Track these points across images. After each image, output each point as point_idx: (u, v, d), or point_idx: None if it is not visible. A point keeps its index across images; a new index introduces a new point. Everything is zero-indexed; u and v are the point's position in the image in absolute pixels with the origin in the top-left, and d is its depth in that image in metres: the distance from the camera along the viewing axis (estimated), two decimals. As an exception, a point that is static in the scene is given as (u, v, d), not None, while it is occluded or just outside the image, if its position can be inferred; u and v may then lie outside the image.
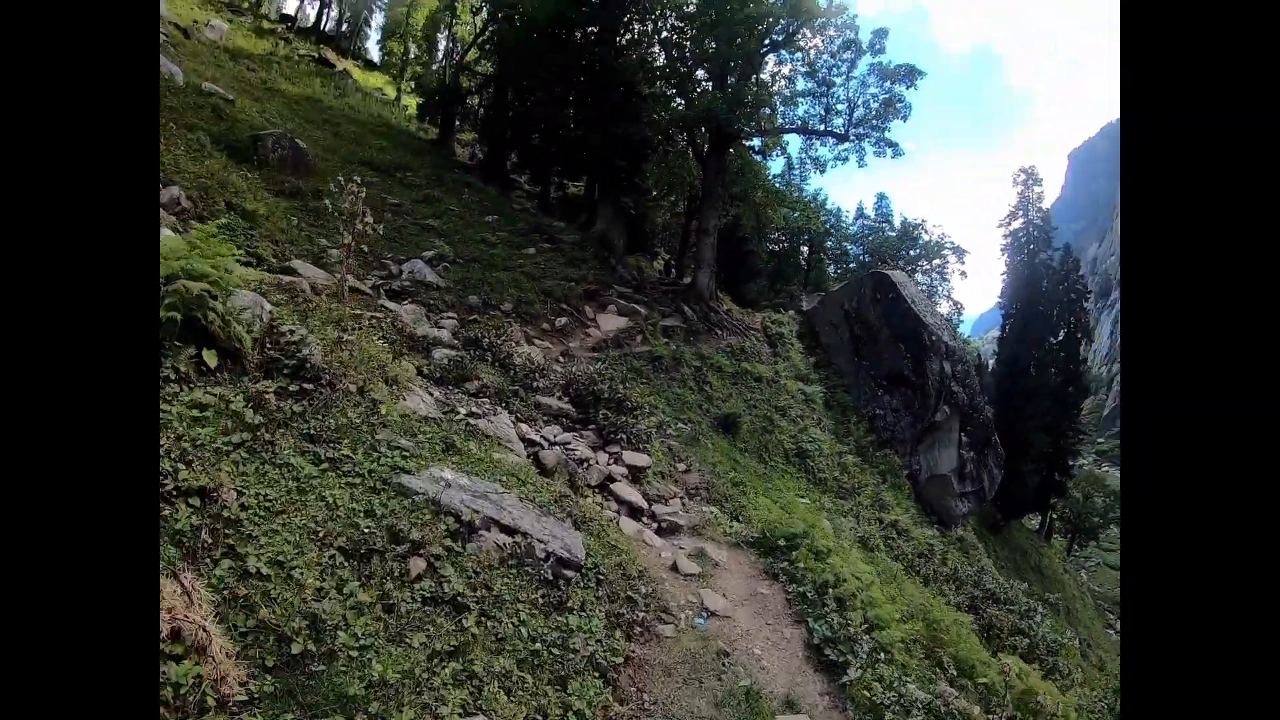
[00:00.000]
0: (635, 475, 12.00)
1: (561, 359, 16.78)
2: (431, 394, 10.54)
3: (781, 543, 10.98)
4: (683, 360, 20.74)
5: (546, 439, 11.67)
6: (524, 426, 11.52)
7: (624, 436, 12.91)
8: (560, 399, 13.72)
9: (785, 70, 29.54)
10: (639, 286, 25.29)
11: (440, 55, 53.16)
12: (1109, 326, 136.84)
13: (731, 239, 35.97)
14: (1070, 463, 50.92)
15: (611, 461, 12.11)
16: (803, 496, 17.69)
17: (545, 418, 12.59)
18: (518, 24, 32.58)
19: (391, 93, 51.66)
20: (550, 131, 32.96)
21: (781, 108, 29.70)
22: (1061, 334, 49.54)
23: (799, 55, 28.21)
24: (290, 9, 60.65)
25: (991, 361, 54.79)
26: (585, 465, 11.31)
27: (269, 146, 21.24)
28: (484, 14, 40.70)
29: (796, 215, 34.60)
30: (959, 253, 53.00)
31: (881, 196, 60.66)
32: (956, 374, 30.52)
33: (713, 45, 26.29)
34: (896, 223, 55.36)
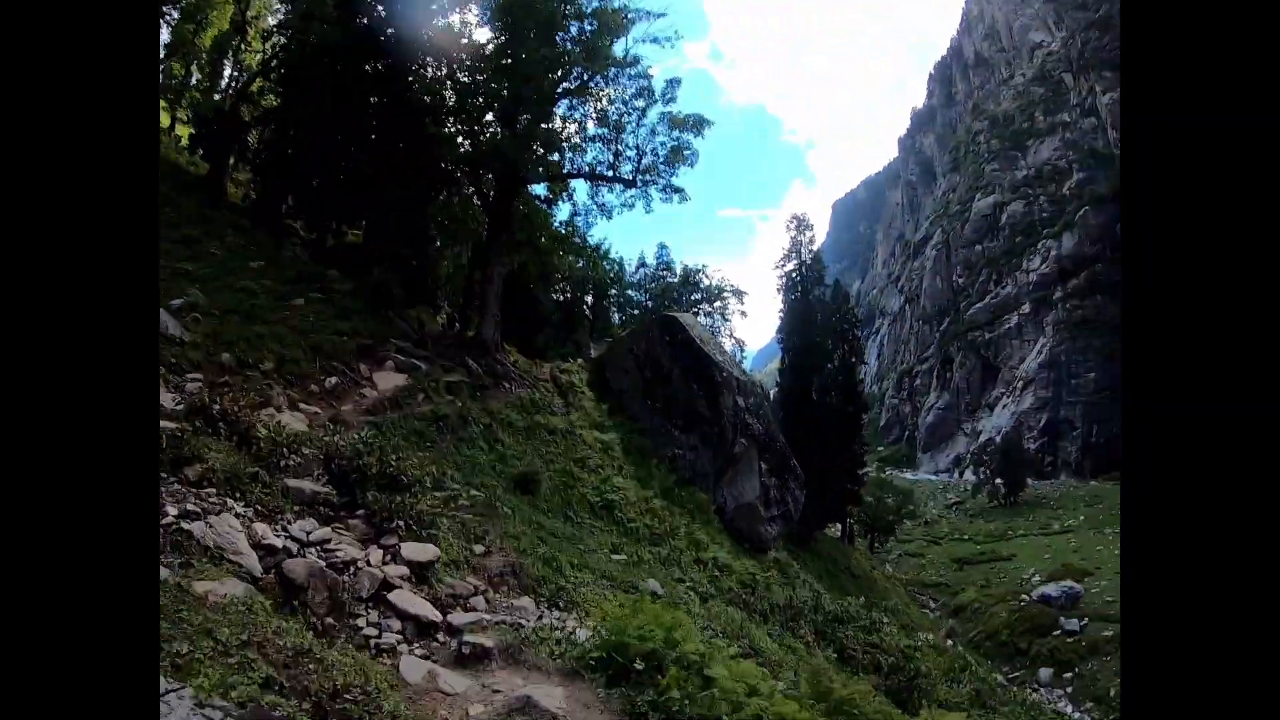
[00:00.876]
0: (420, 573, 9.45)
1: (330, 425, 14.34)
2: (130, 484, 7.93)
3: (639, 665, 7.51)
4: (470, 418, 18.86)
5: (296, 540, 8.94)
6: (262, 526, 8.69)
7: (401, 522, 10.24)
8: (318, 480, 11.04)
9: (576, 116, 28.91)
10: (420, 340, 23.10)
11: (224, 83, 47.50)
12: (875, 350, 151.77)
13: (516, 288, 34.49)
14: (861, 471, 54.41)
15: (388, 559, 9.42)
16: (617, 553, 16.38)
17: (296, 508, 9.82)
18: (308, 51, 29.45)
19: (166, 120, 45.35)
20: (330, 172, 29.90)
21: (570, 154, 29.02)
22: (837, 360, 52.99)
23: (591, 102, 27.65)
24: None
25: (774, 390, 57.47)
26: (352, 570, 8.75)
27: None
28: (274, 40, 36.61)
29: (582, 263, 33.87)
30: (738, 294, 55.54)
31: (662, 246, 62.44)
32: (750, 406, 30.96)
33: (506, 87, 25.00)
34: (677, 270, 56.99)
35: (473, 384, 21.35)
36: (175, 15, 51.02)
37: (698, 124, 27.38)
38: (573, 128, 28.73)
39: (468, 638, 7.93)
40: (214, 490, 8.95)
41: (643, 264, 56.61)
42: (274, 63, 34.64)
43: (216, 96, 44.55)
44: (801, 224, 55.09)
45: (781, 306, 55.03)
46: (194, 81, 48.62)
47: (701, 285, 53.75)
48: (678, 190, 28.16)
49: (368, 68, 28.64)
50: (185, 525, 7.59)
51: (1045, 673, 38.45)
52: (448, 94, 28.14)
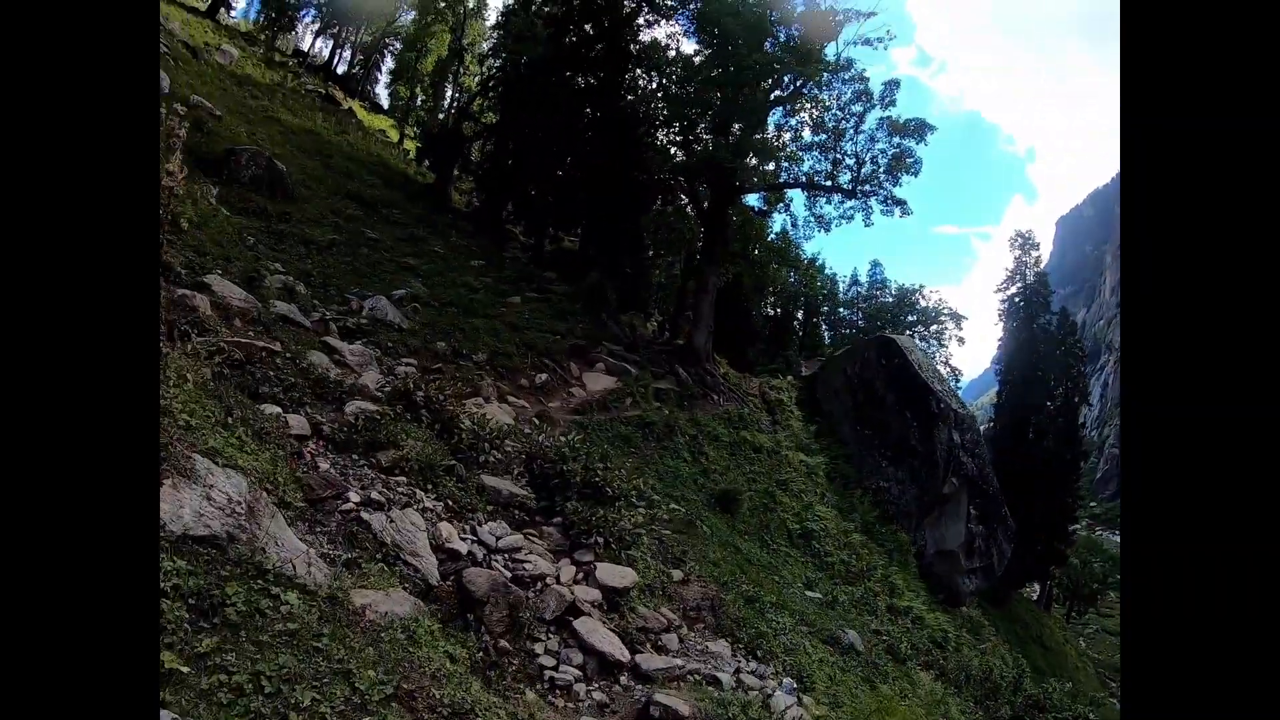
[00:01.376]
0: (612, 599, 8.24)
1: (535, 422, 14.08)
2: (319, 465, 7.44)
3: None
4: (677, 427, 18.11)
5: (484, 544, 7.98)
6: (448, 527, 7.82)
7: (600, 539, 9.13)
8: (517, 480, 9.98)
9: (791, 124, 27.58)
10: (631, 345, 22.77)
11: (446, 103, 51.50)
12: (1099, 389, 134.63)
13: (730, 299, 33.57)
14: (1070, 529, 48.51)
15: (580, 577, 8.36)
16: (812, 588, 14.94)
17: (490, 508, 8.94)
18: (523, 70, 30.69)
19: (395, 136, 49.77)
20: (548, 181, 30.82)
21: (786, 164, 27.71)
22: (1058, 398, 47.36)
23: (806, 109, 26.23)
24: (306, 47, 58.98)
25: (984, 425, 52.33)
26: (539, 586, 7.75)
27: (242, 162, 19.13)
28: (491, 62, 39.03)
29: (795, 277, 32.26)
30: (956, 318, 50.91)
31: (875, 264, 58.93)
32: (965, 443, 27.89)
33: (718, 97, 24.27)
34: (892, 289, 53.31)
35: (681, 393, 20.66)
36: (398, 45, 56.52)
37: (919, 129, 24.98)
38: (788, 136, 27.43)
39: (659, 697, 6.59)
40: (405, 479, 8.21)
41: (855, 282, 53.74)
42: (491, 82, 36.50)
43: (440, 116, 48.19)
44: (1027, 242, 49.79)
45: (1001, 334, 50.21)
46: (419, 102, 52.96)
47: (918, 307, 49.94)
48: (899, 202, 25.93)
49: (579, 81, 29.11)
50: (365, 515, 6.85)
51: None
52: (658, 105, 27.87)
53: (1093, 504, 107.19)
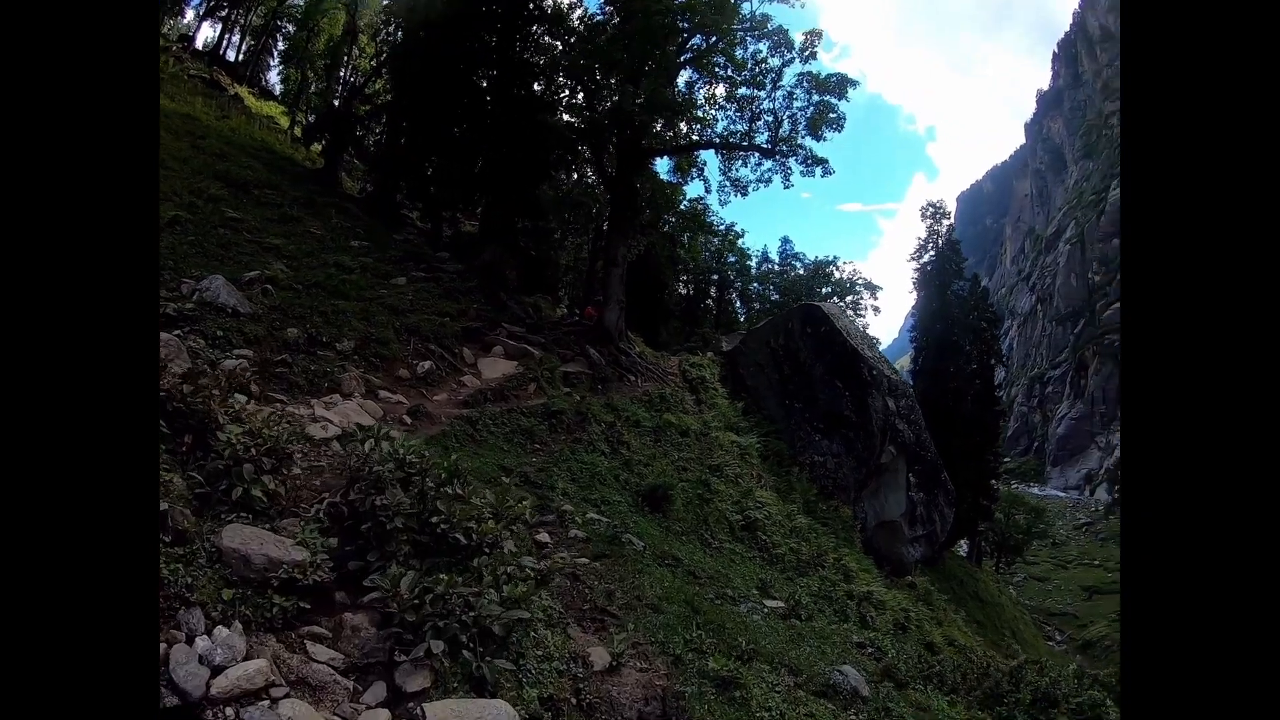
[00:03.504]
0: None
1: (406, 422, 10.93)
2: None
3: None
4: (590, 415, 15.13)
5: (182, 686, 3.86)
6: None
7: (441, 641, 5.09)
8: (306, 528, 5.79)
9: (703, 83, 24.82)
10: (535, 326, 19.69)
11: (341, 87, 46.87)
12: (1004, 353, 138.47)
13: (642, 274, 30.74)
14: (994, 485, 49.01)
15: None
16: (771, 595, 12.33)
17: (232, 592, 4.85)
18: (417, 38, 27.00)
19: (285, 123, 44.90)
20: (444, 157, 27.15)
21: (698, 125, 25.03)
22: (974, 362, 47.22)
23: (719, 66, 23.50)
24: (193, 33, 52.85)
25: (902, 394, 51.84)
26: None
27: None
28: (386, 32, 35.01)
29: (716, 244, 29.75)
30: (871, 288, 50.06)
31: (785, 239, 57.80)
32: (901, 410, 26.01)
33: (624, 56, 21.34)
34: (806, 262, 51.66)
35: (594, 375, 17.74)
36: (291, 28, 51.55)
37: (841, 85, 22.72)
38: (701, 95, 24.75)
39: None
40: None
41: (766, 258, 51.50)
42: (384, 56, 32.86)
43: (335, 102, 43.86)
44: (938, 212, 49.32)
45: (915, 302, 49.70)
46: (313, 89, 48.36)
47: (832, 279, 48.38)
48: (820, 161, 23.58)
49: (475, 45, 25.72)
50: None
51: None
52: (560, 62, 24.80)
53: (1006, 459, 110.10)
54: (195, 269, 13.26)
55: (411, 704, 4.78)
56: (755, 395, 24.38)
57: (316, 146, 36.05)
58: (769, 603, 11.71)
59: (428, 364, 13.94)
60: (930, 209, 49.48)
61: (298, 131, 42.88)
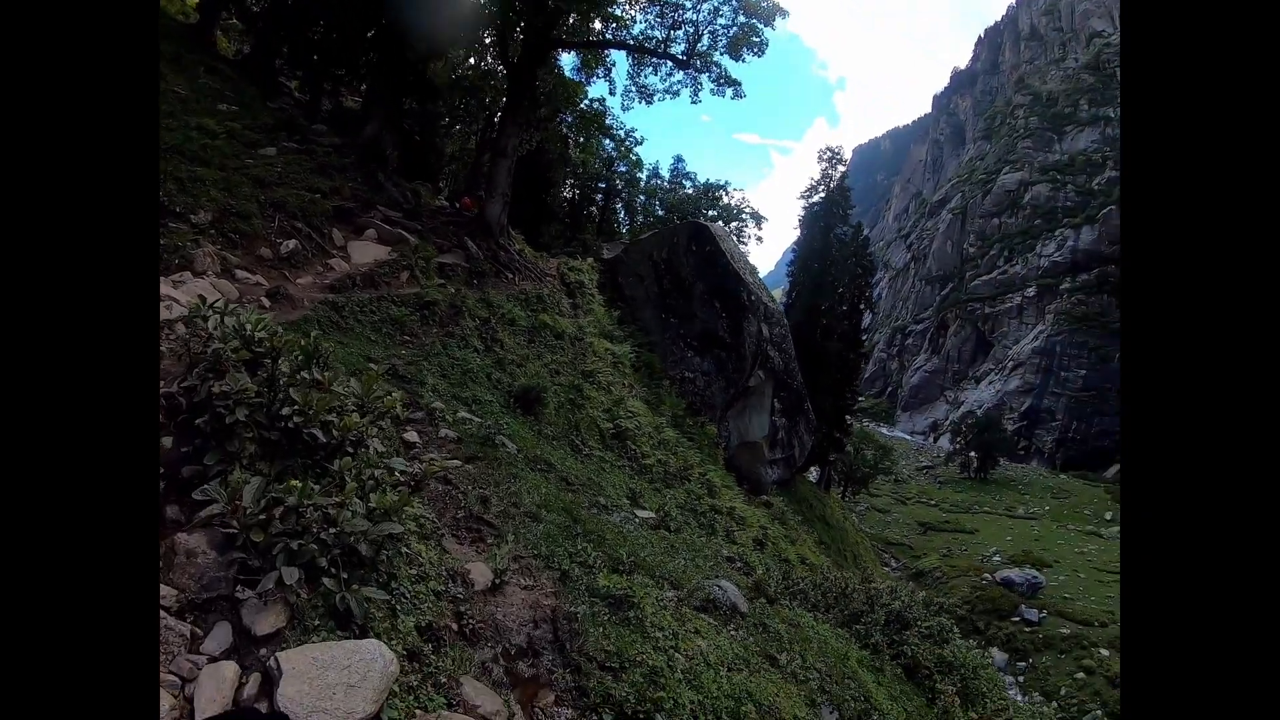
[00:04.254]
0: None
1: (265, 304, 10.13)
2: None
3: None
4: (465, 309, 14.63)
5: None
6: None
7: (298, 565, 4.30)
8: None
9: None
10: (413, 212, 18.60)
11: None
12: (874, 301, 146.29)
13: (531, 171, 29.55)
14: (848, 420, 52.26)
15: (245, 683, 3.84)
16: (641, 505, 12.64)
17: None
18: None
19: None
20: (332, 18, 24.43)
21: (613, 26, 23.84)
22: (845, 303, 49.50)
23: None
24: None
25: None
26: None
27: None
28: None
29: (610, 149, 28.91)
30: (757, 218, 51.01)
31: (678, 158, 57.43)
32: (774, 337, 26.97)
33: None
34: (698, 182, 51.60)
35: (470, 269, 17.05)
36: None
37: (770, 13, 22.10)
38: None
39: None
40: None
41: (656, 174, 50.97)
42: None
43: None
44: (835, 157, 50.51)
45: (796, 239, 51.14)
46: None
47: (720, 203, 48.63)
48: (733, 82, 23.14)
49: None
50: None
51: (1000, 657, 36.15)
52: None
53: (861, 399, 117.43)
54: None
55: (263, 651, 3.97)
56: (632, 305, 24.46)
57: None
58: (640, 513, 12.02)
59: (293, 243, 12.89)
60: (828, 152, 50.62)
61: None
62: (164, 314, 7.07)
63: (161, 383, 5.19)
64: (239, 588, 4.18)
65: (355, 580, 4.46)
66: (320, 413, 5.16)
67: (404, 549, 5.21)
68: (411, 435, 8.62)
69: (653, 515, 12.44)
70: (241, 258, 11.65)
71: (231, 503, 4.27)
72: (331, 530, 4.43)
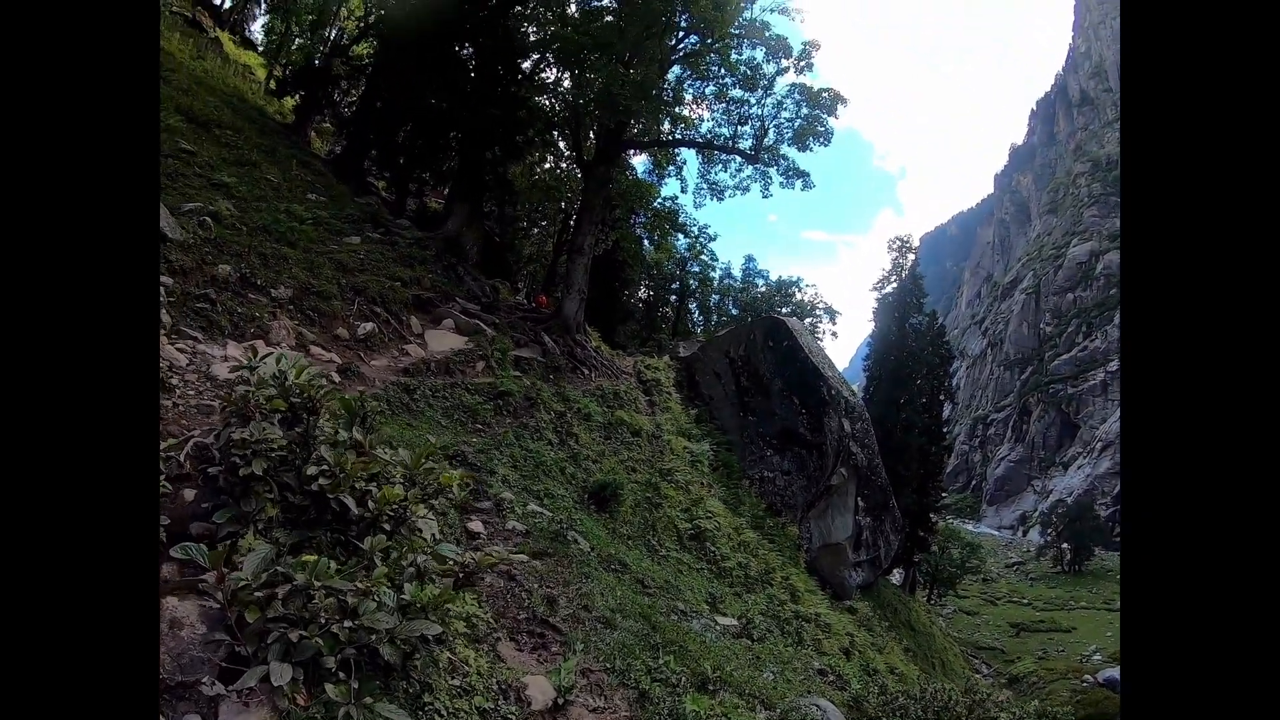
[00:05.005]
0: None
1: (335, 379, 9.75)
2: None
3: None
4: (540, 401, 14.03)
5: None
6: None
7: (321, 635, 3.55)
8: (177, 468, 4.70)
9: (693, 82, 23.95)
10: (490, 306, 18.48)
11: (326, 48, 44.68)
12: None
13: (606, 271, 29.67)
14: (933, 518, 49.45)
15: None
16: (721, 610, 11.44)
17: None
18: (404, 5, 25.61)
19: (262, 75, 42.47)
20: (418, 122, 25.68)
21: (683, 126, 24.23)
22: (924, 396, 47.53)
23: (712, 68, 22.69)
24: None
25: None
26: None
27: None
28: None
29: (683, 248, 28.96)
30: (831, 313, 50.01)
31: (749, 258, 57.85)
32: (856, 432, 25.44)
33: (618, 40, 20.34)
34: (770, 280, 51.33)
35: (547, 364, 16.60)
36: None
37: (832, 102, 22.10)
38: (689, 95, 23.91)
39: None
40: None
41: (728, 274, 50.81)
42: (370, 17, 31.34)
43: (316, 62, 41.76)
44: (904, 246, 49.88)
45: (871, 332, 49.98)
46: (296, 44, 46.01)
47: (793, 299, 47.98)
48: (801, 174, 23.03)
49: (464, 14, 24.43)
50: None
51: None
52: (548, 40, 23.71)
53: (944, 495, 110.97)
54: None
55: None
56: (710, 404, 23.55)
57: (290, 101, 34.19)
58: (721, 619, 10.80)
59: (370, 325, 12.71)
60: (897, 242, 50.20)
61: (274, 85, 40.74)
62: (224, 373, 6.80)
63: (197, 432, 4.79)
64: (214, 682, 3.29)
65: (372, 690, 3.51)
66: (354, 478, 4.35)
67: (446, 654, 4.30)
68: (476, 525, 7.93)
69: (735, 622, 11.19)
70: (318, 335, 11.50)
71: (220, 570, 3.43)
72: (347, 624, 3.50)
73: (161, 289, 8.71)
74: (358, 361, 11.33)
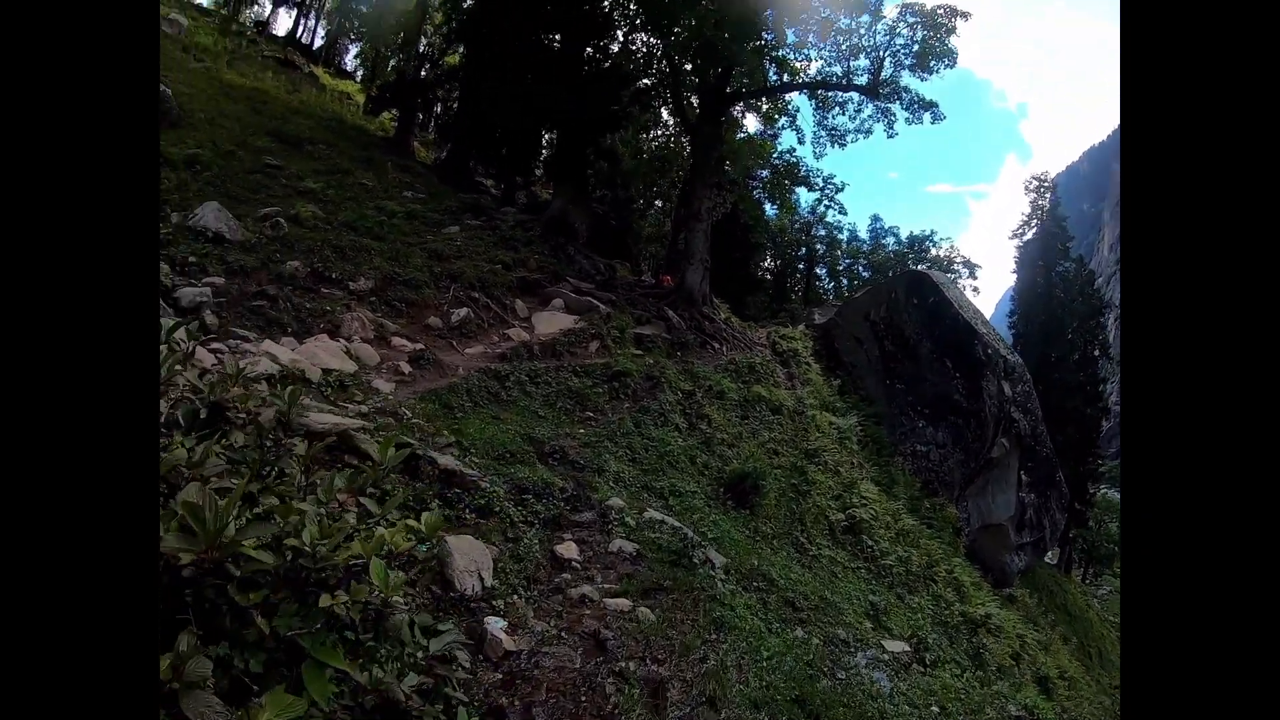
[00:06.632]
0: None
1: (404, 370, 7.99)
2: None
3: None
4: (664, 380, 11.83)
5: None
6: None
7: None
8: None
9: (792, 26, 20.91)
10: (605, 283, 16.49)
11: (414, 61, 44.71)
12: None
13: (728, 239, 27.02)
14: (1091, 490, 43.76)
15: None
16: (884, 627, 9.03)
17: None
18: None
19: (361, 99, 42.99)
20: (515, 116, 24.24)
21: (787, 76, 21.27)
22: (1077, 353, 41.94)
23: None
24: (269, 16, 51.73)
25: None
26: None
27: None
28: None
29: (807, 208, 26.02)
30: (971, 267, 44.79)
31: (875, 218, 52.70)
32: (1016, 396, 21.66)
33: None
34: (902, 237, 46.28)
35: (672, 340, 14.40)
36: (364, 8, 49.42)
37: (949, 16, 18.51)
38: (790, 36, 20.86)
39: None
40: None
41: (854, 237, 46.26)
42: (453, 23, 30.37)
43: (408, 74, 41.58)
44: (1042, 186, 44.27)
45: (1013, 285, 44.80)
46: (390, 65, 46.29)
47: (928, 256, 43.20)
48: (928, 105, 19.62)
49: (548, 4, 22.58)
50: None
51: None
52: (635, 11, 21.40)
53: (1101, 463, 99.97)
54: (202, 203, 10.75)
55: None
56: (852, 373, 20.58)
57: (387, 115, 34.02)
58: (890, 645, 8.34)
59: (464, 311, 11.07)
60: (1034, 182, 44.83)
61: (369, 105, 40.97)
62: (256, 370, 5.27)
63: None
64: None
65: None
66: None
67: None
68: (569, 547, 5.77)
69: (905, 647, 8.71)
70: (404, 325, 10.04)
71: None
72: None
73: (208, 290, 7.24)
74: (449, 351, 9.61)
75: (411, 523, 2.96)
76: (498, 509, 5.54)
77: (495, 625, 3.77)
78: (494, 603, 4.12)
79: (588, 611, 4.33)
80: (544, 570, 5.06)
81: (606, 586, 5.18)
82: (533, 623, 3.89)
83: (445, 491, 5.38)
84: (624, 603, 4.77)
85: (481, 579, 4.20)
